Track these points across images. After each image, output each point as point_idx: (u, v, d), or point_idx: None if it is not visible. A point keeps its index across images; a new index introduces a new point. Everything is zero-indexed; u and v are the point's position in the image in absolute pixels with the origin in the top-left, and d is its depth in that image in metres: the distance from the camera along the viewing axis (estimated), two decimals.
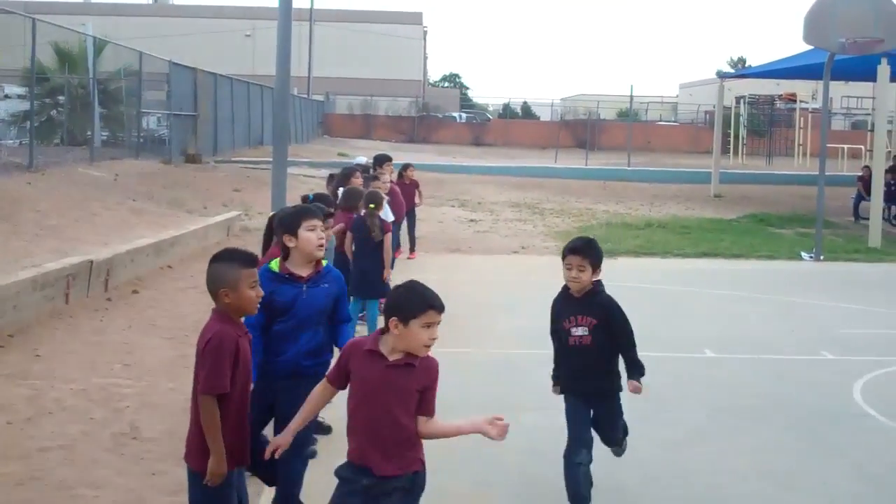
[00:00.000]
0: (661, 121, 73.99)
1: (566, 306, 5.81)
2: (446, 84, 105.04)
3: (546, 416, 7.82)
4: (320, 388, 4.43)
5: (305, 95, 57.42)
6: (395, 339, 4.15)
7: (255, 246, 16.08)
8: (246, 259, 4.56)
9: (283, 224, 5.54)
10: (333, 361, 4.39)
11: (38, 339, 9.10)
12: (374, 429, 4.16)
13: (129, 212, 15.82)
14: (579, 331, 5.72)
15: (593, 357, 5.74)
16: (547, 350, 9.87)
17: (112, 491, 5.88)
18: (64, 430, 6.90)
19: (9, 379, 7.91)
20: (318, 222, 5.53)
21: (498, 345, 10.22)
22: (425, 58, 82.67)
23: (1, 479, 5.93)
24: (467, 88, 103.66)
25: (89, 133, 25.44)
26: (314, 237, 5.46)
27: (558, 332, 5.85)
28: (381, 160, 13.44)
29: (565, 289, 5.84)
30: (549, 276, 14.56)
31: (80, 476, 6.08)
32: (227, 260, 4.52)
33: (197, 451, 4.42)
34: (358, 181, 11.20)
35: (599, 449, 7.04)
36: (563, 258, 5.76)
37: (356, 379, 4.22)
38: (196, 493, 4.47)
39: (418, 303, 4.13)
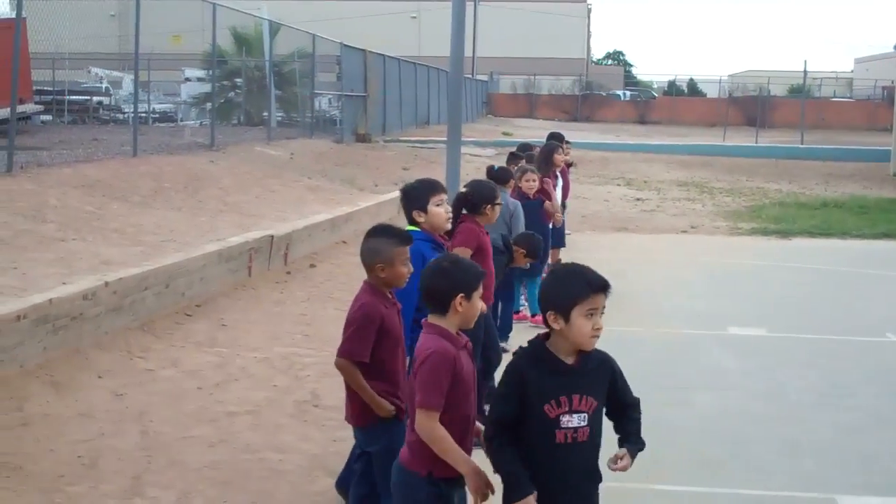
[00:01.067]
0: (834, 97, 71.06)
1: (551, 379, 3.53)
2: (610, 62, 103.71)
3: (719, 397, 7.75)
4: (441, 426, 3.72)
5: (470, 76, 57.68)
6: (456, 317, 3.86)
7: None
8: (403, 236, 4.78)
9: (412, 199, 5.61)
10: (427, 389, 3.75)
11: (223, 310, 9.54)
12: (469, 429, 3.87)
13: (305, 189, 16.35)
14: (574, 420, 3.53)
15: (591, 459, 3.66)
16: (721, 332, 9.86)
17: (296, 455, 6.14)
18: (249, 396, 7.23)
19: (198, 346, 8.33)
20: (444, 196, 5.68)
21: (667, 324, 10.11)
22: (588, 35, 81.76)
23: (193, 441, 6.27)
24: (631, 66, 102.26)
25: (265, 114, 26.39)
26: (443, 212, 5.63)
27: (531, 420, 3.53)
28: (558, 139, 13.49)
29: (541, 347, 3.59)
30: (721, 256, 14.42)
31: (266, 440, 6.36)
32: (386, 235, 4.73)
33: (352, 411, 4.72)
34: (560, 157, 11.42)
35: (776, 436, 6.92)
36: (585, 297, 3.51)
37: (457, 383, 3.78)
38: (382, 441, 4.63)
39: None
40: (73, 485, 5.45)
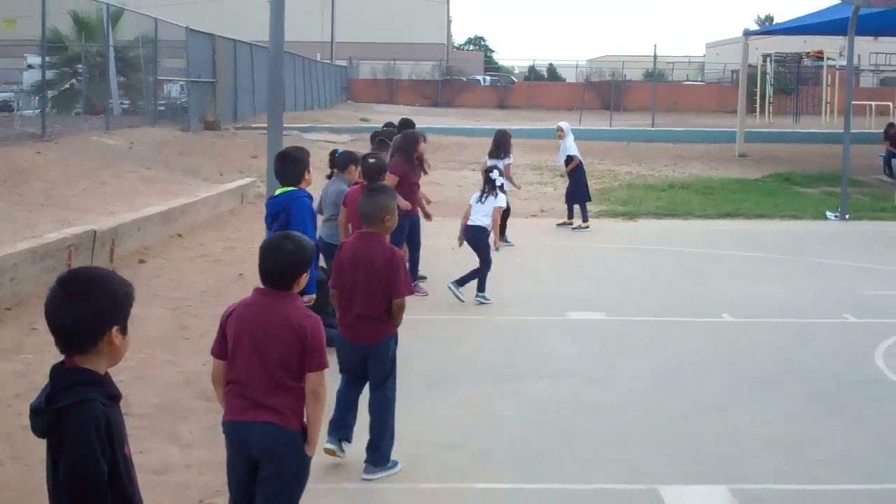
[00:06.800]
0: (687, 81, 72.92)
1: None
2: (471, 47, 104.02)
3: (551, 386, 7.58)
4: None
5: (329, 61, 56.92)
6: None
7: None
8: (394, 190, 6.30)
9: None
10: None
11: (36, 312, 8.84)
12: None
13: (139, 180, 15.58)
14: None
15: None
16: (559, 317, 9.70)
17: None
18: None
19: (1, 354, 7.72)
20: None
21: (506, 311, 9.92)
22: (449, 21, 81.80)
23: None
24: (492, 51, 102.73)
25: (109, 101, 25.25)
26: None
27: None
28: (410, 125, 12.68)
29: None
30: (567, 240, 14.36)
31: None
32: (390, 193, 5.91)
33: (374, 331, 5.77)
34: (422, 147, 10.63)
35: (606, 425, 6.77)
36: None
37: None
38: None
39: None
40: None
